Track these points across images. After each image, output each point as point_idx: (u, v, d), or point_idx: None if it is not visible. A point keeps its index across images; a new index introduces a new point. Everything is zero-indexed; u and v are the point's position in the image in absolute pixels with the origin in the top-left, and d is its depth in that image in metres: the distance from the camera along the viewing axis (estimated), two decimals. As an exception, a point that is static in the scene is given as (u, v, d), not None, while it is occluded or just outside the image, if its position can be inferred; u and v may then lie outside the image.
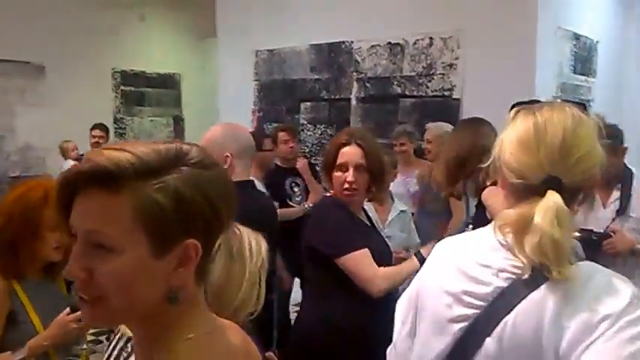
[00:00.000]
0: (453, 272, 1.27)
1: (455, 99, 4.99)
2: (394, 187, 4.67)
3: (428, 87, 5.16)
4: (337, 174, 2.39)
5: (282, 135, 4.57)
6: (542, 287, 1.13)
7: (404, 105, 5.32)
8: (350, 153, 2.36)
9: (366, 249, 2.28)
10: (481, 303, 1.20)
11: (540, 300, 1.12)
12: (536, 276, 1.14)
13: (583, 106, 1.32)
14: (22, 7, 6.90)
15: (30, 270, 2.04)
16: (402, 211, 3.69)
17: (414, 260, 2.31)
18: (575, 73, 5.27)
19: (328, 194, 2.53)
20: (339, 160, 2.37)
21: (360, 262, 2.26)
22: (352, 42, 5.57)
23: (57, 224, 1.92)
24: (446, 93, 5.05)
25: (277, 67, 6.12)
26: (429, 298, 1.32)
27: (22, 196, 2.02)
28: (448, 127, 4.24)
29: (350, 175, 2.34)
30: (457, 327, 1.23)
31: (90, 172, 0.82)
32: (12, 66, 6.98)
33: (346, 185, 2.35)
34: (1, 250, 1.98)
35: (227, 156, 2.63)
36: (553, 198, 1.14)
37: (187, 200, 0.84)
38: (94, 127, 6.29)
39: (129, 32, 8.16)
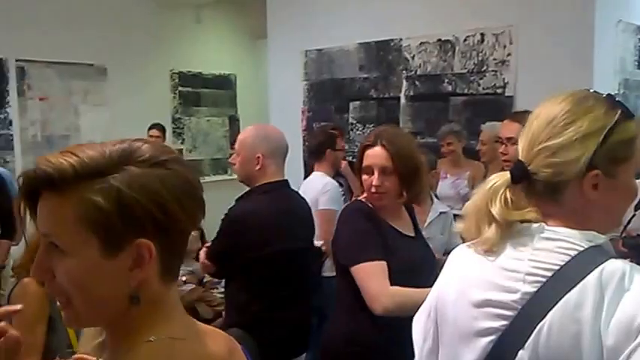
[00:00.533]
0: (474, 280, 1.19)
1: (507, 96, 4.79)
2: (442, 188, 4.55)
3: (479, 84, 4.97)
4: (364, 177, 2.26)
5: (340, 141, 4.50)
6: (575, 289, 1.04)
7: (454, 103, 5.15)
8: (374, 155, 2.23)
9: (383, 262, 2.10)
10: (509, 313, 1.11)
11: (575, 303, 1.03)
12: (565, 278, 1.06)
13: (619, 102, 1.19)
14: (85, 12, 7.14)
15: None
16: (442, 212, 3.55)
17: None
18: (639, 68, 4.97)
19: (360, 198, 2.40)
20: (365, 163, 2.25)
21: (370, 274, 2.09)
22: (401, 39, 5.44)
23: None
24: (498, 90, 4.85)
25: (326, 66, 6.06)
26: (451, 309, 1.24)
27: None
28: None
29: (375, 179, 2.20)
30: (485, 340, 1.14)
31: (35, 177, 0.85)
32: (77, 68, 7.23)
33: (372, 189, 2.22)
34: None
35: (258, 157, 2.67)
36: (495, 177, 1.17)
37: (130, 201, 0.84)
38: (152, 126, 6.43)
39: (186, 34, 8.30)
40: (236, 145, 2.80)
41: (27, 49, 6.67)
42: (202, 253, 2.78)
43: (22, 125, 6.74)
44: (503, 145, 2.86)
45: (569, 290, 1.04)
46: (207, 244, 2.82)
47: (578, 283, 1.04)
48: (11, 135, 6.68)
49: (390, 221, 2.27)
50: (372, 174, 2.21)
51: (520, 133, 1.21)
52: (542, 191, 1.14)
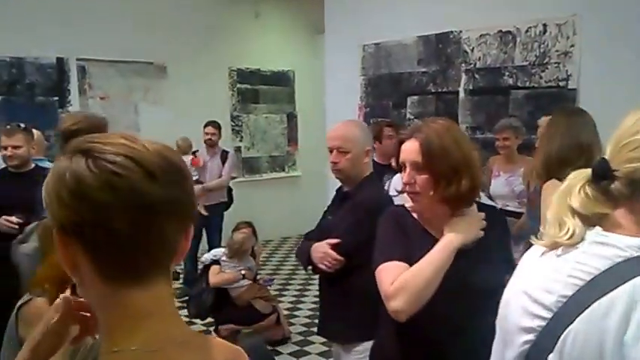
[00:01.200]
0: (530, 278, 1.16)
1: (571, 89, 4.61)
2: (496, 186, 4.43)
3: (541, 77, 4.80)
4: (401, 174, 1.98)
5: (387, 130, 4.50)
6: (605, 298, 0.99)
7: (515, 97, 5.00)
8: (406, 149, 1.92)
9: (399, 262, 1.81)
10: (546, 314, 1.08)
11: (602, 312, 0.98)
12: (599, 284, 1.01)
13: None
14: (144, 10, 7.30)
15: None
16: None
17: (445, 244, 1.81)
18: None
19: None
20: (400, 158, 1.96)
21: (386, 273, 1.81)
22: (460, 32, 5.32)
23: None
24: (561, 83, 4.68)
25: (384, 60, 5.99)
26: (507, 306, 1.21)
27: None
28: None
29: (405, 175, 1.91)
30: (524, 339, 1.12)
31: None
32: (137, 66, 7.40)
33: (404, 187, 1.93)
34: (56, 282, 1.87)
35: (368, 150, 2.72)
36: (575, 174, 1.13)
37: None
38: (207, 124, 6.51)
39: (244, 30, 8.36)
40: (339, 144, 2.71)
41: (87, 49, 6.87)
42: (331, 251, 2.55)
43: (85, 124, 6.94)
44: None
45: (599, 298, 1.00)
46: (332, 241, 2.57)
47: (609, 291, 0.99)
48: (76, 133, 6.91)
49: (430, 229, 1.95)
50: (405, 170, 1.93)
51: None
52: (620, 191, 1.08)
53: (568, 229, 1.10)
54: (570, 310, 1.03)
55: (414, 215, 1.99)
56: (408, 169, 1.90)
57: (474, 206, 1.96)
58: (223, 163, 6.49)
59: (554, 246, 1.13)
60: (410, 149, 1.90)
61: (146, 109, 7.52)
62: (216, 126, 6.50)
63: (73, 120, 2.83)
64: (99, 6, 6.93)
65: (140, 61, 7.40)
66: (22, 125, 3.85)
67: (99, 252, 0.80)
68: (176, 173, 0.86)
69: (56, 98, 6.81)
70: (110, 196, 0.78)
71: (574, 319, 1.01)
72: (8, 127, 3.85)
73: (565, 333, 1.02)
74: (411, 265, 1.80)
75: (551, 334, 1.05)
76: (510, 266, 1.42)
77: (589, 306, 1.00)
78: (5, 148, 3.73)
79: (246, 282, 4.94)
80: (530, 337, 1.10)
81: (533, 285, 1.13)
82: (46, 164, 3.96)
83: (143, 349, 0.81)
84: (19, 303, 2.07)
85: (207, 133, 6.46)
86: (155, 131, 7.36)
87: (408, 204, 1.99)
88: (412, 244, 1.89)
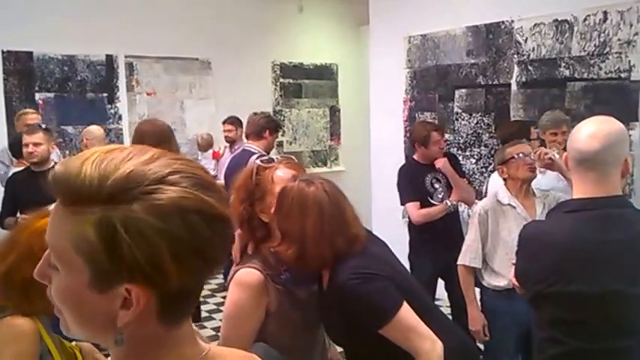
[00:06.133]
0: None
1: (633, 81, 4.32)
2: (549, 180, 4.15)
3: (601, 68, 4.52)
4: None
5: (435, 135, 4.22)
6: None
7: (572, 89, 4.72)
8: None
9: None
10: None
11: None
12: None
13: None
14: (189, 7, 7.30)
15: (41, 308, 1.74)
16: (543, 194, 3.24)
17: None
18: None
19: None
20: None
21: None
22: (513, 21, 5.06)
23: None
24: (622, 75, 4.39)
25: (430, 52, 5.77)
26: None
27: (44, 232, 1.72)
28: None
29: None
30: None
31: (53, 178, 0.76)
32: (183, 63, 7.42)
33: None
34: (16, 288, 1.71)
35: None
36: None
37: (121, 244, 0.71)
38: (225, 120, 6.42)
39: (288, 24, 8.28)
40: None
41: (135, 46, 6.93)
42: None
43: (131, 120, 6.96)
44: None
45: None
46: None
47: None
48: (121, 129, 6.92)
49: None
50: None
51: None
52: None
53: None
54: None
55: None
56: None
57: None
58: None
59: None
60: None
61: (192, 104, 7.54)
62: (234, 122, 6.33)
63: None
64: (146, 4, 6.99)
65: (186, 58, 7.42)
66: (43, 125, 4.32)
67: (172, 301, 0.78)
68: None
69: (105, 94, 6.86)
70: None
71: None
72: (30, 126, 4.32)
73: None
74: None
75: None
76: None
77: None
78: (27, 146, 4.04)
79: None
80: None
81: None
82: None
83: None
84: None
85: (224, 130, 6.39)
86: (203, 126, 7.41)
87: None
88: None
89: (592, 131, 1.79)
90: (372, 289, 1.80)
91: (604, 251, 1.76)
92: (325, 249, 1.84)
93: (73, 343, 1.96)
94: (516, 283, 2.01)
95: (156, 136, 3.95)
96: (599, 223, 1.79)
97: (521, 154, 3.17)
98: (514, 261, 2.02)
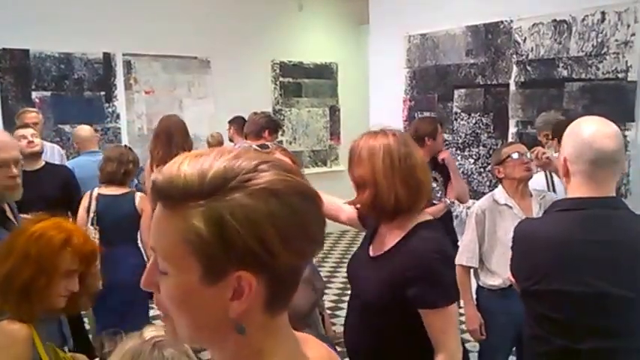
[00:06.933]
0: None
1: (630, 82, 4.33)
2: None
3: (598, 69, 4.53)
4: None
5: (439, 128, 4.23)
6: None
7: (570, 90, 4.73)
8: None
9: None
10: None
11: None
12: None
13: None
14: (188, 5, 7.28)
15: (39, 314, 1.80)
16: (537, 193, 3.25)
17: None
18: None
19: None
20: None
21: None
22: (511, 21, 5.07)
23: (70, 271, 1.80)
24: (620, 75, 4.40)
25: (430, 52, 5.77)
26: None
27: (41, 236, 1.80)
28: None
29: None
30: None
31: (154, 187, 0.81)
32: (181, 61, 7.41)
33: None
34: (14, 292, 1.75)
35: None
36: None
37: (232, 232, 0.76)
38: (229, 121, 6.37)
39: (288, 23, 8.27)
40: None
41: (133, 44, 6.90)
42: None
43: (129, 118, 6.97)
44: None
45: None
46: None
47: None
48: (119, 128, 6.92)
49: None
50: None
51: None
52: None
53: None
54: None
55: None
56: None
57: None
58: None
59: None
60: None
61: (191, 103, 7.53)
62: (234, 123, 6.28)
63: None
64: (144, 2, 6.96)
65: (184, 56, 7.41)
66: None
67: (278, 286, 0.82)
68: None
69: (103, 93, 6.85)
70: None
71: None
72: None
73: None
74: None
75: None
76: None
77: None
78: (24, 137, 3.89)
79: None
80: None
81: None
82: (98, 157, 4.20)
83: None
84: None
85: (228, 130, 6.37)
86: (201, 125, 7.39)
87: None
88: None
89: (605, 131, 1.79)
90: (448, 273, 1.93)
91: (590, 251, 1.77)
92: (398, 188, 1.92)
93: (69, 354, 1.97)
94: (513, 280, 2.03)
95: (183, 130, 4.34)
96: (587, 223, 1.80)
97: (517, 154, 3.19)
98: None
